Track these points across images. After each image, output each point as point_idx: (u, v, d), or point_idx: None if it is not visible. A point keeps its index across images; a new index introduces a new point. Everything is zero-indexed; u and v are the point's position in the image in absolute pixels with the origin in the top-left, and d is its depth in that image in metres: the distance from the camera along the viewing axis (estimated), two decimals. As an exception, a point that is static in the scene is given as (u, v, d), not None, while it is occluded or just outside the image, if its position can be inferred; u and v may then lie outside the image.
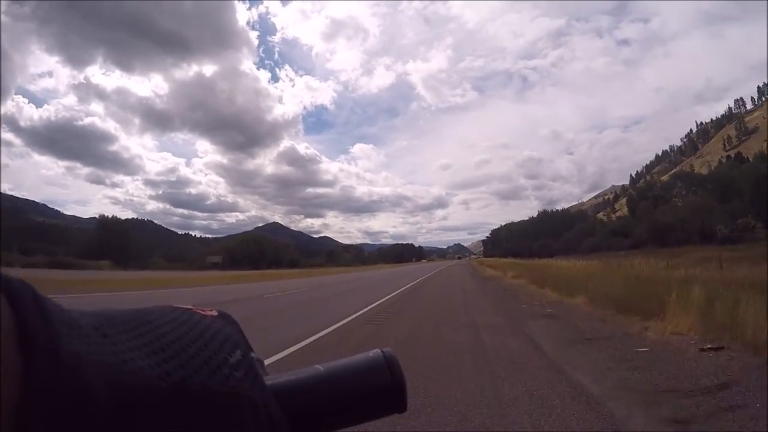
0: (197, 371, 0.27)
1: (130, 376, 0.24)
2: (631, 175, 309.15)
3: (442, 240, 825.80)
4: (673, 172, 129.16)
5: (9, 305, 0.21)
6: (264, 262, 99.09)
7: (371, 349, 0.39)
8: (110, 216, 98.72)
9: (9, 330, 0.20)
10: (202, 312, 0.33)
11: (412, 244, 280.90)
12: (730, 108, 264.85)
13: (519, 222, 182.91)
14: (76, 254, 74.00)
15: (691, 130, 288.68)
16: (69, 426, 0.21)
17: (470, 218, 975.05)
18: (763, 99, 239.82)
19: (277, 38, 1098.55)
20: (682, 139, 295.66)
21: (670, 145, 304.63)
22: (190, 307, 0.33)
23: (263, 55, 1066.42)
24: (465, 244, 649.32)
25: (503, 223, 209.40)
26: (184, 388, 0.26)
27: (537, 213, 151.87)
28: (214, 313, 0.34)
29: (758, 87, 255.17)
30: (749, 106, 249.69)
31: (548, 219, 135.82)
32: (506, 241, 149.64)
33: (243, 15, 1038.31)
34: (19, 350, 0.20)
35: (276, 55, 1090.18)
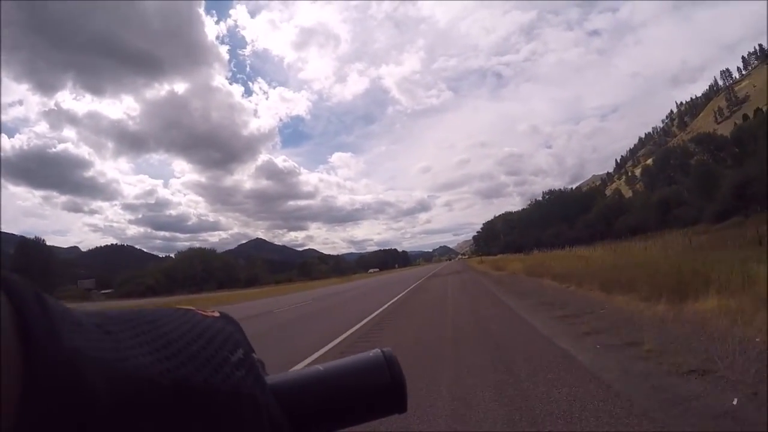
0: (199, 369, 0.27)
1: (131, 373, 0.23)
2: (615, 160, 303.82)
3: (427, 243, 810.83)
4: (692, 137, 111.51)
5: (9, 302, 0.20)
6: (214, 282, 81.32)
7: None
8: (32, 238, 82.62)
9: (9, 326, 0.20)
10: (203, 313, 0.33)
11: (395, 249, 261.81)
12: (715, 80, 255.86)
13: (518, 211, 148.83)
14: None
15: (672, 111, 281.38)
16: (70, 421, 0.20)
17: (454, 219, 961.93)
18: (750, 68, 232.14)
19: (247, 51, 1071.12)
20: (663, 120, 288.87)
21: (653, 127, 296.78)
22: (191, 307, 0.33)
23: (235, 70, 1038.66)
24: (451, 246, 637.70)
25: (497, 214, 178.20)
26: (186, 385, 0.25)
27: (542, 195, 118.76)
28: (216, 313, 0.34)
29: (743, 57, 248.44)
30: (736, 76, 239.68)
31: (556, 202, 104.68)
32: (504, 235, 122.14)
33: (212, 29, 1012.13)
34: (19, 346, 0.20)
35: (248, 69, 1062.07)
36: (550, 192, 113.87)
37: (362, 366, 0.38)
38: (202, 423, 0.26)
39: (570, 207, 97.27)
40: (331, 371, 0.37)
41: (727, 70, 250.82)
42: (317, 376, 0.36)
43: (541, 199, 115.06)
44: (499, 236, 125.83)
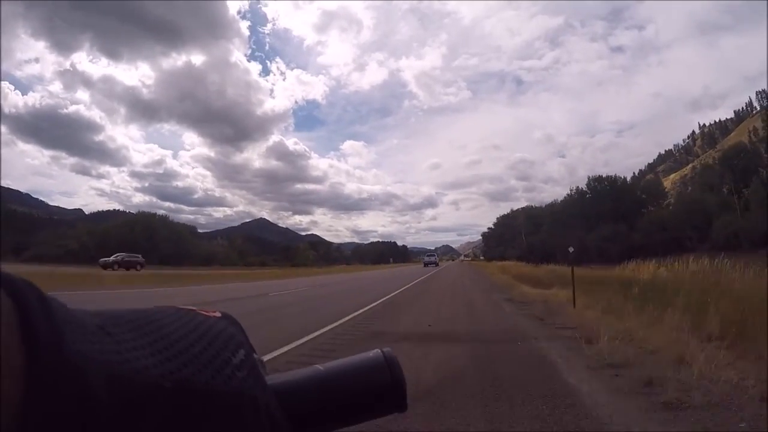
0: (201, 370, 0.27)
1: (133, 375, 0.23)
2: (633, 173, 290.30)
3: (431, 241, 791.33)
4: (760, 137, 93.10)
5: (12, 303, 0.20)
6: (156, 255, 63.98)
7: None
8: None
9: (12, 327, 0.20)
10: (205, 313, 0.33)
11: (395, 243, 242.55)
12: (750, 100, 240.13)
13: (548, 205, 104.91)
14: None
15: (693, 132, 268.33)
16: (71, 423, 0.20)
17: (459, 219, 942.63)
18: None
19: (268, 29, 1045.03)
20: (684, 140, 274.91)
21: (674, 145, 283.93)
22: (193, 308, 0.33)
23: (254, 47, 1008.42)
24: (454, 246, 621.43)
25: (514, 208, 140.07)
26: (188, 386, 0.26)
27: (587, 182, 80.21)
28: (217, 314, 0.34)
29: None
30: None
31: (608, 194, 72.34)
32: (527, 234, 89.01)
33: (234, 3, 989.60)
34: (22, 348, 0.20)
35: (267, 47, 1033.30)
36: (598, 179, 77.19)
37: (362, 366, 0.38)
38: (203, 425, 0.26)
39: (627, 202, 70.32)
40: (331, 371, 0.37)
41: (764, 90, 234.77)
42: (317, 376, 0.36)
43: (585, 188, 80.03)
44: (519, 235, 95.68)
